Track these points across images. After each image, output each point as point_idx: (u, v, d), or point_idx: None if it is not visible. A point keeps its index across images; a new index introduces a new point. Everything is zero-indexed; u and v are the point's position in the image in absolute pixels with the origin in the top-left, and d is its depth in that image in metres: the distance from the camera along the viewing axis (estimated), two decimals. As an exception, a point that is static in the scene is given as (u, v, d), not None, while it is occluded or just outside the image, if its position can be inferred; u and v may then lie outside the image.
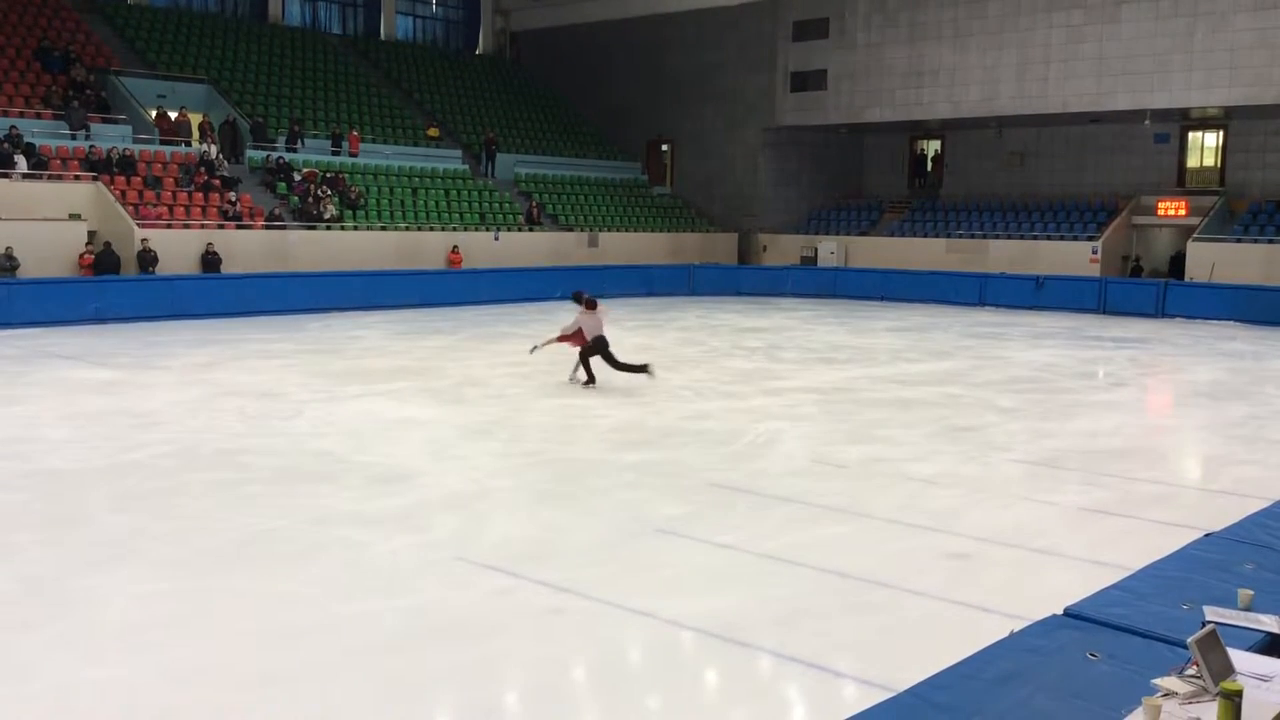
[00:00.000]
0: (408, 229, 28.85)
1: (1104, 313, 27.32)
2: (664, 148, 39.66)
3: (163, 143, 27.27)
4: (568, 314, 15.22)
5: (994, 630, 4.80)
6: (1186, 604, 4.69)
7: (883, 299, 30.53)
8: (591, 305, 14.29)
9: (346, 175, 29.30)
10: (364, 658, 5.71)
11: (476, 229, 30.47)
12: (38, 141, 24.60)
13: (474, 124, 36.45)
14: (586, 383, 14.16)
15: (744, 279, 33.13)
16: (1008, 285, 29.33)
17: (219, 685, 5.37)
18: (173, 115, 28.48)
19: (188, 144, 27.55)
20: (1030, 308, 28.23)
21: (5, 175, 23.07)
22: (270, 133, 29.84)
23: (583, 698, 5.50)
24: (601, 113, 40.43)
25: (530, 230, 32.03)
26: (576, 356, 14.14)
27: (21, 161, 23.57)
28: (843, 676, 5.68)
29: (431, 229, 29.37)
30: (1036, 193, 34.49)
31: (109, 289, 21.82)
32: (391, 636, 6.02)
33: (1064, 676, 3.99)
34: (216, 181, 26.47)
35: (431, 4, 41.45)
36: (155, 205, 24.73)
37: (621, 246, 33.44)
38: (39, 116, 25.83)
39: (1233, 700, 3.35)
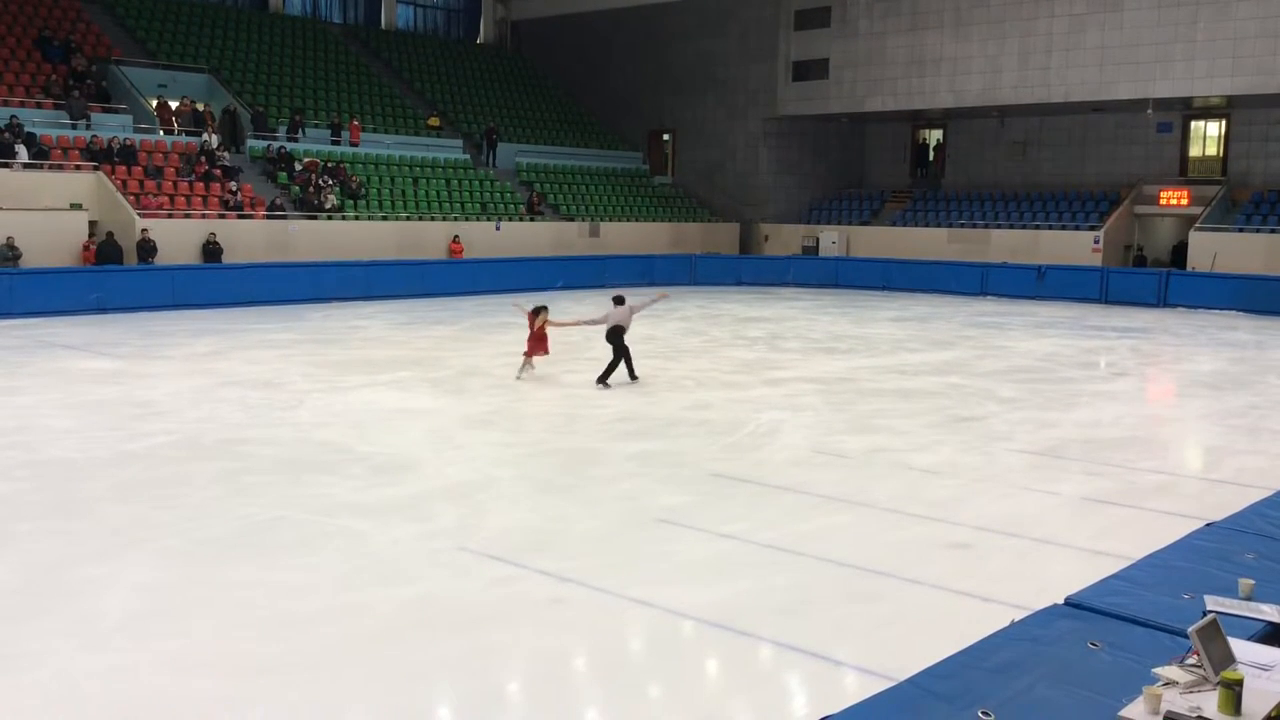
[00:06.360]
0: (409, 219, 28.83)
1: (1106, 302, 27.29)
2: (665, 137, 39.59)
3: (166, 132, 27.24)
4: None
5: (995, 620, 4.80)
6: (1187, 593, 4.69)
7: (884, 289, 30.51)
8: (620, 301, 14.42)
9: (347, 165, 29.27)
10: (365, 647, 5.72)
11: (478, 219, 30.44)
12: (38, 131, 24.59)
13: (475, 114, 36.40)
14: (633, 378, 14.09)
15: (745, 269, 33.09)
16: (1009, 275, 29.32)
17: (220, 674, 5.38)
18: (174, 105, 28.45)
19: (192, 134, 27.48)
20: (1032, 297, 28.21)
21: (6, 165, 23.06)
22: (271, 122, 29.79)
23: (584, 687, 5.51)
24: (602, 102, 40.36)
25: (531, 220, 32.00)
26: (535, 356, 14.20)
27: (22, 151, 23.55)
28: (843, 665, 5.69)
29: (432, 219, 29.35)
30: (1038, 182, 34.44)
31: (110, 279, 21.83)
32: (393, 626, 6.03)
33: (1065, 666, 3.99)
34: (217, 171, 26.45)
35: (432, -7, 41.39)
36: (156, 195, 24.72)
37: (623, 236, 33.42)
38: (40, 106, 25.80)
39: (1233, 689, 3.36)
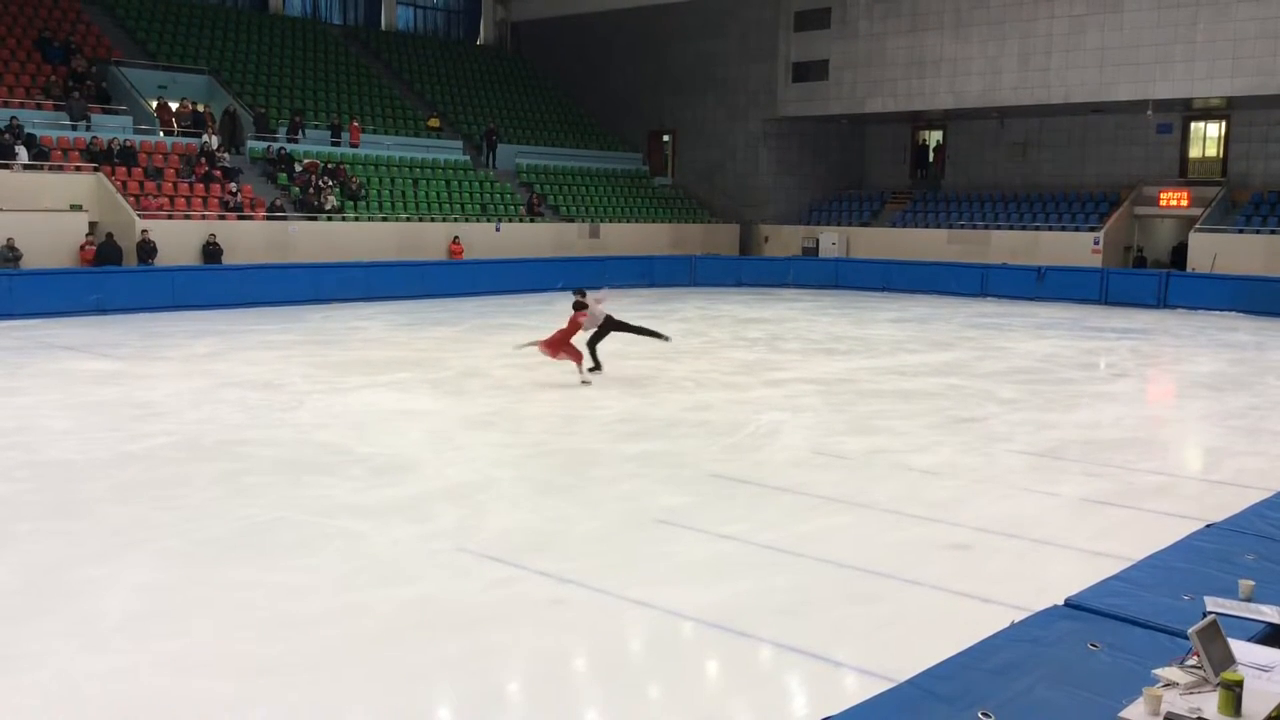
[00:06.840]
0: (409, 220, 28.83)
1: (1105, 303, 27.30)
2: (665, 138, 39.59)
3: (166, 133, 27.23)
4: (568, 305, 15.10)
5: (995, 621, 4.80)
6: (1187, 595, 4.69)
7: (884, 290, 30.53)
8: (581, 294, 14.56)
9: (347, 166, 29.27)
10: (365, 648, 5.71)
11: (477, 220, 30.44)
12: (38, 132, 24.57)
13: (475, 115, 36.39)
14: (593, 369, 14.43)
15: (745, 270, 33.10)
16: (1009, 276, 29.32)
17: (220, 675, 5.38)
18: (174, 106, 28.45)
19: (192, 135, 27.47)
20: (1032, 298, 28.22)
21: (6, 166, 23.05)
22: (271, 123, 29.79)
23: (584, 687, 5.51)
24: (602, 103, 40.36)
25: (531, 221, 32.01)
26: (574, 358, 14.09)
27: (22, 152, 23.54)
28: (843, 666, 5.69)
29: (432, 220, 29.36)
30: (1038, 183, 34.45)
31: (110, 280, 21.83)
32: (393, 626, 6.02)
33: (1065, 667, 3.99)
34: (217, 172, 26.44)
35: (432, -6, 41.42)
36: (156, 196, 24.72)
37: (623, 237, 33.41)
38: (39, 107, 25.79)
39: (1233, 690, 3.36)
